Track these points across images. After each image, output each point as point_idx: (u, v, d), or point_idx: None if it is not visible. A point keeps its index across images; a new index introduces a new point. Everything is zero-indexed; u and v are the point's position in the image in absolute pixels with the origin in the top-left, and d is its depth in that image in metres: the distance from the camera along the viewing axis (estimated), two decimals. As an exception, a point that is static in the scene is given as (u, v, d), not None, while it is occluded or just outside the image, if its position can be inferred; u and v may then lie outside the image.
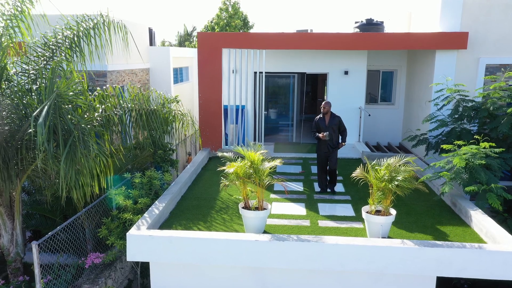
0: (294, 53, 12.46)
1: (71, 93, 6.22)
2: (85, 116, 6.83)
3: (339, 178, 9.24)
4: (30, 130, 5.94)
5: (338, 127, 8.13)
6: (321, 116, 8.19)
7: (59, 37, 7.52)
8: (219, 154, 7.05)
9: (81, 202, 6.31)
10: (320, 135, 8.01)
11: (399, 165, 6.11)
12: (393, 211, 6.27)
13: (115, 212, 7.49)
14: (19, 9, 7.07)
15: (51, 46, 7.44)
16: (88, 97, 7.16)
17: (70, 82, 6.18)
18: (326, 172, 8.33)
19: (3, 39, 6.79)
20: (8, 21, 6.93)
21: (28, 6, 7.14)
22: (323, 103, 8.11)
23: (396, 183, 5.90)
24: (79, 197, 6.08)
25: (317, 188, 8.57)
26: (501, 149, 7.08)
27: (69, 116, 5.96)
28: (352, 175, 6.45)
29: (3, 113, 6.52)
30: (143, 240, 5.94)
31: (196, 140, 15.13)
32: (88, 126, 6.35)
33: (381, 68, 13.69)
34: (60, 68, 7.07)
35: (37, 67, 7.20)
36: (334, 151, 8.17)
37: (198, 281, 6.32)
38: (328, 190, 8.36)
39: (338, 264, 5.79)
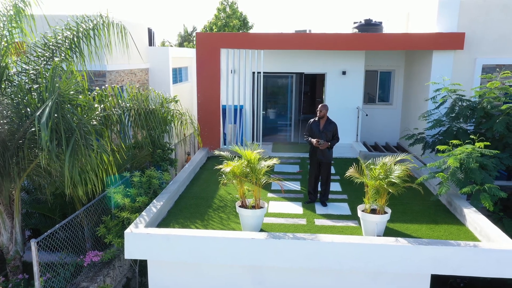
0: (293, 53, 12.52)
1: (71, 92, 6.29)
2: (85, 115, 6.90)
3: (336, 177, 9.31)
4: (32, 129, 6.01)
5: (332, 134, 7.54)
6: (316, 119, 7.62)
7: (59, 37, 7.59)
8: (216, 153, 7.11)
9: (84, 199, 6.37)
10: (314, 141, 7.44)
11: (394, 164, 6.17)
12: (388, 210, 6.33)
13: (115, 211, 7.56)
14: (20, 9, 7.15)
15: (51, 47, 7.52)
16: (88, 97, 7.23)
17: (70, 82, 6.25)
18: (318, 180, 7.81)
19: (4, 40, 6.87)
20: (8, 23, 7.01)
21: (28, 7, 7.22)
22: (319, 106, 7.53)
23: (388, 180, 5.95)
24: (82, 194, 6.15)
25: None
26: (496, 151, 7.15)
27: (69, 115, 6.03)
28: (346, 174, 6.52)
29: (4, 112, 6.59)
30: (141, 238, 6.01)
31: (195, 139, 15.21)
32: (89, 125, 6.41)
33: (379, 68, 13.75)
34: (60, 68, 7.14)
35: (37, 67, 7.27)
36: (324, 163, 7.60)
37: (195, 279, 6.39)
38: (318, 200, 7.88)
39: (333, 262, 5.86)
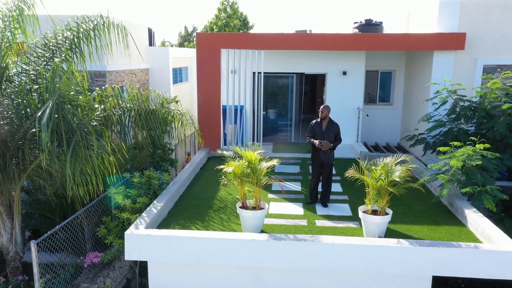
0: (293, 53, 12.50)
1: (72, 92, 6.28)
2: (86, 115, 6.89)
3: (336, 178, 9.29)
4: (32, 130, 5.99)
5: (334, 135, 7.54)
6: (318, 120, 7.57)
7: (59, 38, 7.57)
8: (219, 152, 7.09)
9: (86, 200, 6.36)
10: (317, 142, 7.39)
11: (395, 165, 6.15)
12: (390, 211, 6.32)
13: (115, 212, 7.54)
14: (24, 11, 7.16)
15: (51, 47, 7.50)
16: (88, 97, 7.22)
17: (71, 82, 6.23)
18: (319, 181, 7.81)
19: (5, 40, 6.87)
20: (9, 23, 7.01)
21: (32, 8, 7.24)
22: (321, 107, 7.49)
23: (389, 180, 5.93)
24: (84, 194, 6.14)
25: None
26: (497, 154, 7.12)
27: (69, 116, 6.01)
28: (346, 174, 6.50)
29: (4, 113, 6.57)
30: (141, 239, 5.99)
31: (195, 140, 15.19)
32: (89, 125, 6.40)
33: (380, 68, 13.74)
34: (60, 68, 7.13)
35: (37, 67, 7.26)
36: (327, 164, 7.61)
37: (196, 280, 6.37)
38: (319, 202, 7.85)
39: (334, 263, 5.84)
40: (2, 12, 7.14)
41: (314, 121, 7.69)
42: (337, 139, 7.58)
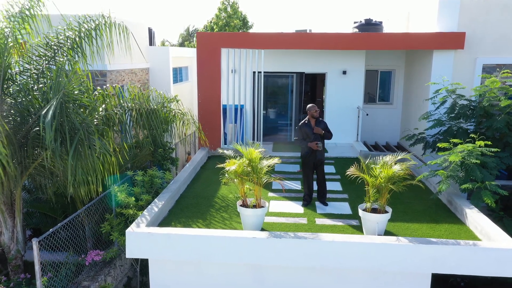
0: (293, 53, 12.54)
1: (76, 91, 6.32)
2: (89, 115, 6.92)
3: (336, 177, 9.34)
4: (36, 129, 6.02)
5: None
6: (306, 121, 7.50)
7: (61, 37, 7.61)
8: (219, 151, 7.13)
9: (86, 199, 6.40)
10: (314, 144, 7.34)
11: (395, 163, 6.19)
12: (389, 209, 6.35)
13: (119, 210, 7.56)
14: (28, 12, 7.21)
15: (53, 46, 7.54)
16: (92, 97, 7.26)
17: (75, 81, 6.27)
18: (313, 182, 7.79)
19: (9, 40, 6.90)
20: (15, 23, 7.06)
21: (36, 9, 7.30)
22: (312, 106, 7.44)
23: (390, 176, 5.97)
24: (85, 194, 6.17)
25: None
26: (496, 149, 7.14)
27: (73, 115, 6.04)
28: (347, 172, 6.54)
29: (7, 111, 6.61)
30: (142, 237, 6.03)
31: (196, 139, 15.23)
32: (92, 125, 6.43)
33: (380, 68, 13.77)
34: (63, 67, 7.17)
35: (39, 66, 7.30)
36: (322, 162, 7.59)
37: (196, 278, 6.41)
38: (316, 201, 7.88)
39: (334, 261, 5.88)
40: (9, 12, 7.19)
41: (301, 122, 7.60)
42: (328, 132, 7.55)
